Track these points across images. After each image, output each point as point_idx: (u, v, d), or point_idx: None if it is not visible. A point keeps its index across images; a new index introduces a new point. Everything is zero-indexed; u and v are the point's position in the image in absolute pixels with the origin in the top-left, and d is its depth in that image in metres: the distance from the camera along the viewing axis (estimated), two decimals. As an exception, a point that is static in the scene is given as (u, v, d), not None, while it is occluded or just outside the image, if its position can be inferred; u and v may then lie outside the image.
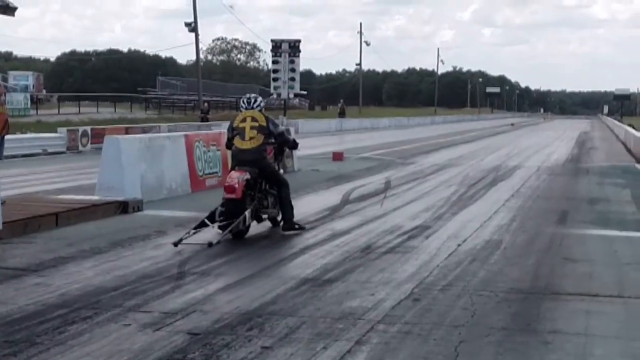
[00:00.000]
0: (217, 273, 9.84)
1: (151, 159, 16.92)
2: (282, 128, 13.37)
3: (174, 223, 13.53)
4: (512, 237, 12.74)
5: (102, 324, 7.50)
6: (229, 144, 12.98)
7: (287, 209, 12.90)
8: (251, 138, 12.54)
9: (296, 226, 12.87)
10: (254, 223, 12.70)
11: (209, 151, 19.08)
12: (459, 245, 11.89)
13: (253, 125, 12.61)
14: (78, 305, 8.12)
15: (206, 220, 12.19)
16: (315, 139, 42.70)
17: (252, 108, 12.95)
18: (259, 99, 13.27)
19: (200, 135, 19.83)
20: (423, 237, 12.55)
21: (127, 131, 35.52)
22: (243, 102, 13.23)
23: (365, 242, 12.01)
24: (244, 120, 12.71)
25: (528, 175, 24.02)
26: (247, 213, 12.17)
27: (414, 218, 14.60)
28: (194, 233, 11.89)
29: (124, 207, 14.74)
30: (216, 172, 19.27)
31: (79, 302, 8.28)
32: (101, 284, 9.11)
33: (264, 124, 12.68)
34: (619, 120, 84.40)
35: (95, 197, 15.31)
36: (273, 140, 12.99)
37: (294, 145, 13.91)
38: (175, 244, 11.38)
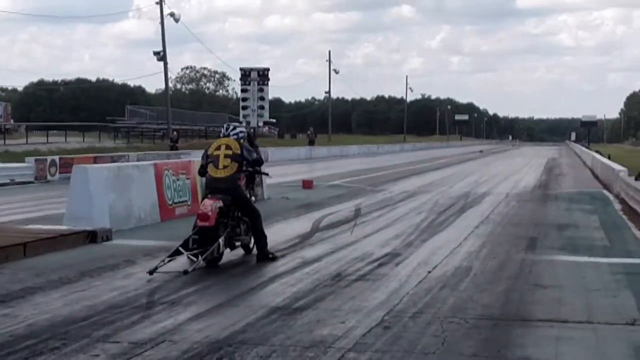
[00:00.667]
0: (186, 302, 9.79)
1: (120, 188, 16.84)
2: (256, 155, 13.36)
3: (143, 252, 13.47)
4: (482, 264, 12.77)
5: (71, 354, 7.44)
6: (202, 171, 13.04)
7: (260, 239, 12.94)
8: (225, 166, 12.59)
9: (270, 255, 12.90)
10: (227, 250, 12.69)
11: (178, 180, 19.02)
12: (429, 272, 11.90)
13: (227, 154, 12.66)
14: (46, 336, 8.05)
15: (180, 249, 12.15)
16: (284, 167, 42.72)
17: (228, 135, 12.99)
18: (239, 128, 13.37)
19: (169, 164, 19.77)
20: (393, 265, 12.56)
21: (95, 160, 35.39)
22: (226, 127, 13.33)
23: (335, 270, 12.00)
24: (218, 148, 12.78)
25: (497, 202, 24.11)
26: (220, 241, 12.20)
27: (384, 245, 14.61)
28: (169, 261, 11.85)
29: (92, 237, 14.64)
30: (186, 201, 19.20)
31: (47, 332, 8.21)
32: (70, 314, 9.04)
33: (238, 151, 12.74)
34: (586, 147, 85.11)
35: (63, 227, 15.21)
36: (248, 169, 13.03)
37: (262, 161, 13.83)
38: (151, 272, 11.36)
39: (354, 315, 9.07)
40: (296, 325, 8.62)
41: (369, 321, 8.80)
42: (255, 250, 13.06)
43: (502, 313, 9.35)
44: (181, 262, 11.95)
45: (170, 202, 18.52)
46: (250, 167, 13.12)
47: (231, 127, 13.29)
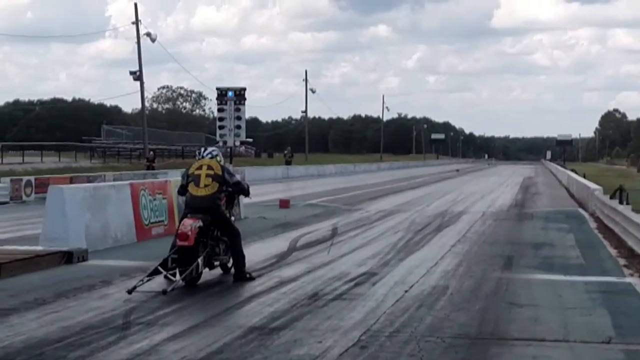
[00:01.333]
0: (163, 323, 9.75)
1: (96, 208, 16.77)
2: (237, 177, 13.46)
3: (119, 273, 13.41)
4: (459, 283, 12.80)
5: (46, 376, 7.39)
6: (182, 190, 13.10)
7: (238, 258, 12.95)
8: (206, 185, 12.68)
9: (247, 275, 12.89)
10: (206, 270, 12.69)
11: (154, 200, 18.98)
12: (405, 291, 11.91)
13: (209, 173, 12.77)
14: (21, 358, 8.00)
15: (159, 268, 12.15)
16: (261, 187, 42.64)
17: (204, 157, 13.10)
18: (215, 151, 13.45)
19: (145, 184, 19.72)
20: (370, 284, 12.56)
21: (71, 180, 35.23)
22: (199, 151, 13.44)
23: (312, 290, 11.99)
24: (200, 167, 12.87)
25: (474, 221, 24.19)
26: (199, 260, 12.23)
27: (361, 265, 14.62)
28: (147, 280, 11.84)
29: (68, 257, 14.57)
30: (162, 221, 19.16)
31: (22, 354, 8.16)
32: (45, 336, 8.99)
33: (220, 172, 12.83)
34: (561, 166, 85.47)
35: (39, 248, 15.12)
36: (228, 189, 13.06)
37: (248, 192, 13.87)
38: (129, 292, 11.36)
39: (331, 335, 9.06)
40: (273, 345, 8.60)
41: (345, 341, 8.80)
42: (233, 270, 13.06)
43: (478, 332, 9.37)
44: (159, 281, 11.93)
45: (146, 222, 18.47)
46: (232, 189, 13.17)
47: (203, 149, 13.50)
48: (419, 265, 14.65)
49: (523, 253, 16.70)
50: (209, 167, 12.84)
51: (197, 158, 13.32)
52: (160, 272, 12.09)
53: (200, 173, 12.78)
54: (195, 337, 9.00)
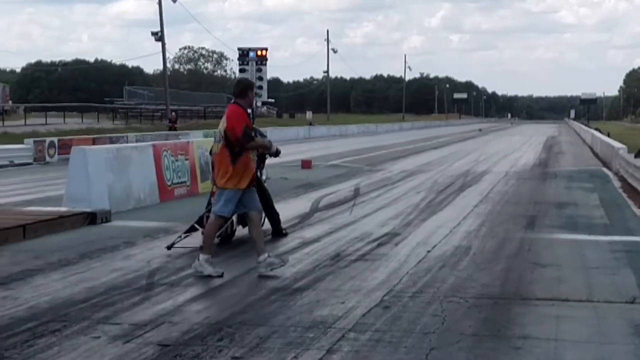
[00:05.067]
0: (186, 283, 9.79)
1: (119, 169, 16.82)
2: (269, 139, 13.58)
3: (142, 233, 13.47)
4: (481, 243, 12.77)
5: (71, 336, 7.44)
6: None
7: (274, 215, 13.34)
8: None
9: (283, 231, 13.33)
10: (239, 227, 12.95)
11: (177, 161, 19.01)
12: (428, 251, 11.90)
13: None
14: (47, 318, 8.05)
15: (196, 225, 12.42)
16: (283, 147, 42.52)
17: None
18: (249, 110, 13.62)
19: (168, 145, 19.75)
20: (392, 244, 12.56)
21: (94, 142, 35.39)
22: None
23: (334, 250, 12.00)
24: None
25: (496, 181, 24.11)
26: (233, 218, 12.44)
27: (383, 225, 14.61)
28: (185, 237, 12.12)
29: (91, 218, 14.64)
30: (185, 182, 19.20)
31: (47, 315, 8.21)
32: (70, 296, 9.04)
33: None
34: (585, 125, 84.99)
35: (62, 209, 15.19)
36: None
37: (279, 153, 14.01)
38: (169, 248, 11.71)
39: (353, 296, 9.07)
40: (296, 306, 8.62)
41: (368, 301, 8.80)
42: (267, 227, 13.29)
43: (501, 292, 9.36)
44: (198, 238, 12.08)
45: (169, 183, 18.52)
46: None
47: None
48: (441, 225, 14.62)
49: (546, 213, 16.64)
50: None
51: None
52: (197, 229, 12.35)
53: None
54: (218, 298, 9.04)
